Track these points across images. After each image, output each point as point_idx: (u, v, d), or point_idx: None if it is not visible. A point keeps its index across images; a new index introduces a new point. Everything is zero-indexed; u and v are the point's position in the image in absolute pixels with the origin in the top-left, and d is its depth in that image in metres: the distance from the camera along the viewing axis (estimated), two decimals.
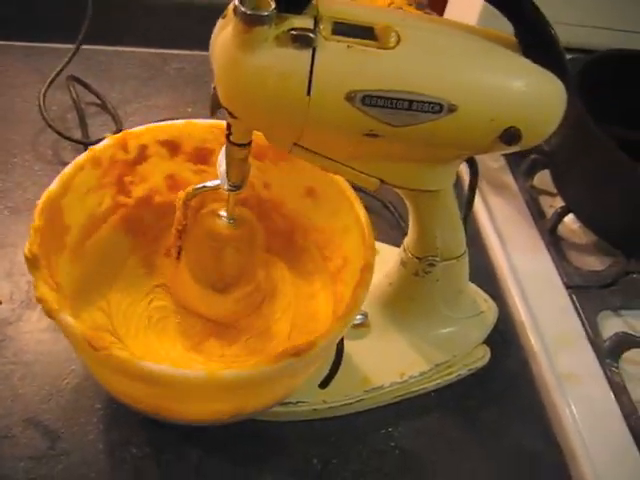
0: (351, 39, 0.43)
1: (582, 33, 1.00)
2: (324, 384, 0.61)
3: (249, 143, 0.50)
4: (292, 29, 0.42)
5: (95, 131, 0.86)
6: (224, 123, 0.50)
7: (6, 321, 0.65)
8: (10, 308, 0.66)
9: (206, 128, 0.62)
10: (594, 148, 0.79)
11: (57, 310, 0.46)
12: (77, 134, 0.84)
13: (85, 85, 0.90)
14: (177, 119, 0.62)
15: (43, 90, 0.83)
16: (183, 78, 0.97)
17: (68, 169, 0.56)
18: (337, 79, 0.43)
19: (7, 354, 0.63)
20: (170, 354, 0.59)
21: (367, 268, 0.52)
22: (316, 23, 0.43)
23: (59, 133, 0.81)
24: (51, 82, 0.84)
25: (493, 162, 0.92)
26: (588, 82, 0.80)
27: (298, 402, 0.60)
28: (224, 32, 0.44)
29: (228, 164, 0.52)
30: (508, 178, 0.91)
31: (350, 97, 0.43)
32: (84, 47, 0.87)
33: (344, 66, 0.43)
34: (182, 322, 0.61)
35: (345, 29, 0.43)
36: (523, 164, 0.92)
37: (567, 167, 0.86)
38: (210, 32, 0.96)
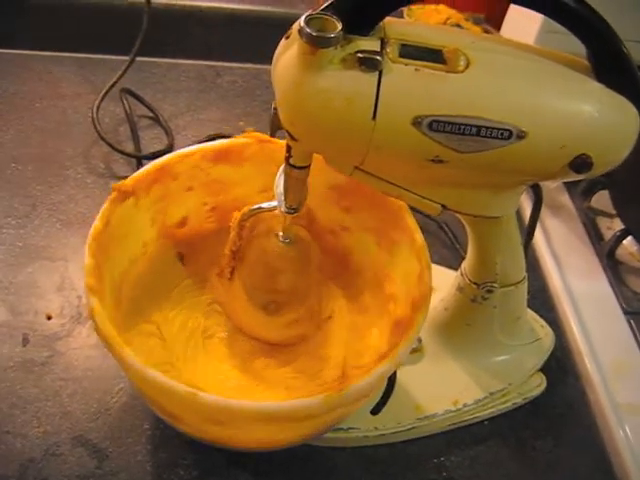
0: (419, 62, 0.42)
1: None
2: (376, 411, 0.60)
3: (308, 166, 0.49)
4: (358, 51, 0.41)
5: (147, 144, 0.86)
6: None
7: (56, 336, 0.65)
8: (60, 323, 0.66)
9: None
10: None
11: (120, 347, 0.46)
12: (129, 147, 0.84)
13: (138, 98, 0.90)
14: (229, 134, 0.62)
15: (97, 102, 0.83)
16: (235, 91, 0.97)
17: (108, 203, 0.55)
18: (404, 103, 0.42)
19: (56, 370, 0.63)
20: (220, 374, 0.58)
21: (422, 303, 0.51)
22: (383, 45, 0.42)
23: (111, 146, 0.81)
24: (105, 94, 0.84)
25: (549, 182, 0.90)
26: None
27: (349, 428, 0.59)
28: (288, 53, 0.43)
29: (286, 186, 0.51)
30: (565, 199, 0.89)
31: (417, 122, 0.42)
32: (137, 59, 0.87)
33: (411, 90, 0.42)
34: (233, 342, 0.61)
35: (413, 52, 0.42)
36: (580, 185, 0.90)
37: (627, 188, 0.84)
38: (261, 45, 0.97)
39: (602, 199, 0.89)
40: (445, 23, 0.82)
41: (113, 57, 0.95)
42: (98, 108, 0.83)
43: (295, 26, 0.43)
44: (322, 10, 0.41)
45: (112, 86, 0.86)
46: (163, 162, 0.58)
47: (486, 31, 0.91)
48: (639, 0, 0.88)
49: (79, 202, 0.77)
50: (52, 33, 0.95)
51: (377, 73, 0.41)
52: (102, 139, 0.81)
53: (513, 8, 0.97)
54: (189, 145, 0.61)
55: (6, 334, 0.64)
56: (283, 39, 0.44)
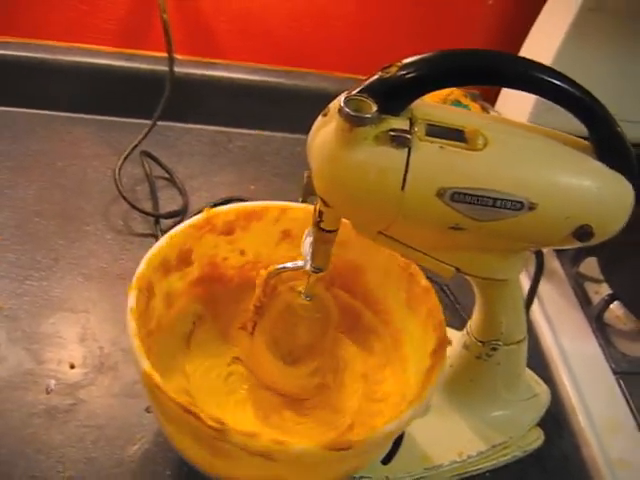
0: (443, 140, 0.47)
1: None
2: (386, 460, 0.63)
3: (337, 230, 0.54)
4: (390, 130, 0.46)
5: (163, 204, 0.90)
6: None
7: (79, 384, 0.68)
8: (83, 372, 0.69)
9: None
10: None
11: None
12: (147, 206, 0.89)
13: (155, 159, 0.94)
14: (240, 197, 0.67)
15: (119, 163, 0.88)
16: (245, 156, 1.02)
17: (152, 253, 0.59)
18: (429, 176, 0.47)
19: (80, 417, 0.65)
20: (243, 426, 0.61)
21: (437, 366, 0.55)
22: (411, 124, 0.47)
23: (131, 204, 0.85)
24: (127, 156, 0.89)
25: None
26: None
27: (361, 477, 0.62)
28: (325, 129, 0.47)
29: (314, 248, 0.56)
30: (555, 265, 0.94)
31: (440, 193, 0.47)
32: (156, 123, 0.93)
33: (436, 165, 0.47)
34: (255, 394, 0.64)
35: (437, 131, 0.47)
36: (569, 251, 0.95)
37: (614, 255, 0.89)
38: (271, 114, 1.02)
39: (590, 265, 0.94)
40: (446, 99, 0.88)
41: (130, 120, 1.00)
42: (120, 168, 0.88)
43: (333, 105, 0.48)
44: (358, 92, 0.46)
45: (134, 148, 0.90)
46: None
47: (483, 107, 0.97)
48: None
49: (99, 257, 0.81)
50: (73, 94, 1.00)
51: (407, 149, 0.46)
52: (123, 198, 0.85)
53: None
54: (203, 205, 0.65)
55: (30, 382, 0.67)
56: (320, 116, 0.49)
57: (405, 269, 0.64)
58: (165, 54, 0.90)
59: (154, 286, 0.59)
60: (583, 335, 0.86)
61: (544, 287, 0.90)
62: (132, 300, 0.54)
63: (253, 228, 0.66)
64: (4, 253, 0.79)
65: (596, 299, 0.90)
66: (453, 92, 0.87)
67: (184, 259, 0.63)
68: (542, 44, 0.93)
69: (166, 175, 0.94)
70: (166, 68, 0.91)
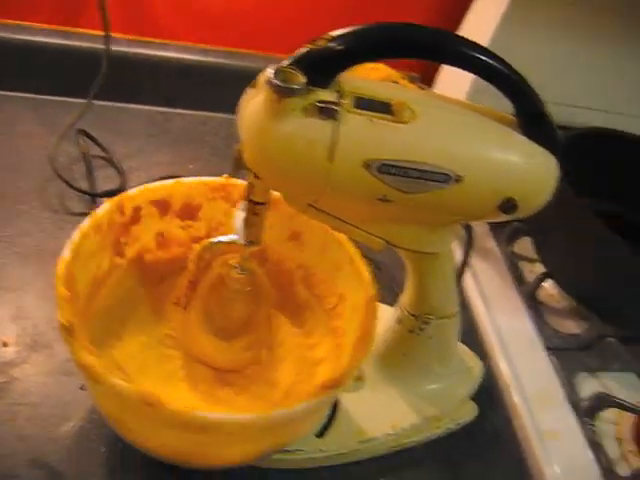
0: (371, 113, 0.47)
1: (566, 112, 1.06)
2: (320, 433, 0.64)
3: (267, 202, 0.54)
4: (318, 101, 0.46)
5: (100, 183, 0.89)
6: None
7: (12, 363, 0.67)
8: (16, 350, 0.68)
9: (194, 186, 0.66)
10: (571, 217, 0.84)
11: (105, 374, 0.47)
12: (83, 185, 0.87)
13: (92, 139, 0.93)
14: (179, 175, 0.67)
15: (54, 141, 0.86)
16: (185, 136, 1.02)
17: (76, 236, 0.58)
18: (357, 148, 0.47)
19: (14, 395, 0.64)
20: (177, 400, 0.61)
21: (369, 328, 0.56)
22: (339, 97, 0.47)
23: (67, 183, 0.84)
24: (63, 135, 0.88)
25: (477, 228, 0.97)
26: (569, 156, 0.86)
27: (296, 450, 0.63)
28: (254, 100, 0.48)
29: (246, 221, 0.56)
30: (491, 244, 0.96)
31: (367, 165, 0.47)
32: (93, 102, 0.91)
33: (363, 137, 0.47)
34: (190, 371, 0.64)
35: (365, 103, 0.48)
36: (505, 231, 0.97)
37: (546, 235, 0.91)
38: (209, 94, 1.02)
39: (525, 245, 0.96)
40: (384, 80, 0.88)
41: (67, 99, 0.99)
42: (56, 147, 0.86)
43: (262, 76, 0.48)
44: (287, 64, 0.46)
45: (71, 127, 0.89)
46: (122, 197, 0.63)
47: (421, 88, 0.98)
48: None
49: (34, 236, 0.79)
50: (6, 71, 0.97)
51: (334, 121, 0.46)
52: (58, 177, 0.84)
53: (445, 68, 1.06)
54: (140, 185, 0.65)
55: None
56: (249, 87, 0.49)
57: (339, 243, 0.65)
58: (102, 32, 0.89)
59: (85, 263, 0.59)
60: (517, 312, 0.88)
61: (480, 266, 0.92)
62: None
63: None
64: None
65: (530, 278, 0.92)
66: (391, 74, 0.88)
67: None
68: (479, 26, 0.95)
69: (103, 154, 0.93)
70: (103, 46, 0.89)
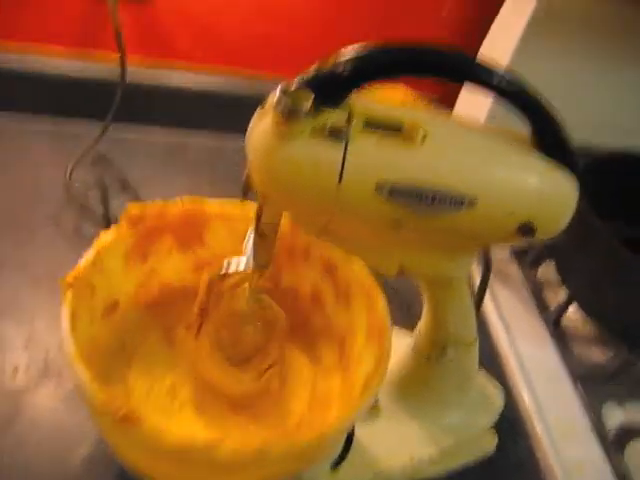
0: (381, 134, 0.46)
1: (585, 133, 1.04)
2: (335, 465, 0.62)
3: (277, 225, 0.53)
4: (327, 123, 0.45)
5: (116, 209, 0.88)
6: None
7: (21, 390, 0.66)
8: (26, 378, 0.67)
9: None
10: (596, 241, 0.82)
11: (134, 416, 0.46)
12: (99, 211, 0.87)
13: (108, 164, 0.93)
14: None
15: (70, 167, 0.86)
16: (201, 161, 1.01)
17: (94, 248, 0.57)
18: (367, 171, 0.46)
19: (23, 423, 0.63)
20: (187, 429, 0.60)
21: (382, 358, 0.54)
22: (349, 118, 0.46)
23: (82, 209, 0.84)
24: (78, 160, 0.88)
25: (499, 252, 0.95)
26: (593, 179, 0.84)
27: None
28: (262, 122, 0.47)
29: (255, 245, 0.55)
30: (514, 268, 0.94)
31: (378, 188, 0.46)
32: (109, 127, 0.91)
33: (374, 159, 0.46)
34: (201, 399, 0.62)
35: (376, 125, 0.46)
36: (528, 255, 0.95)
37: (570, 259, 0.89)
38: (223, 119, 1.01)
39: (548, 269, 0.94)
40: (401, 102, 0.87)
41: (83, 125, 0.98)
42: (71, 172, 0.86)
43: (270, 98, 0.47)
44: (295, 84, 0.45)
45: (86, 152, 0.89)
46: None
47: (439, 110, 0.97)
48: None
49: (48, 262, 0.79)
50: (23, 97, 0.98)
51: (343, 143, 0.45)
52: (73, 202, 0.84)
53: (465, 89, 1.04)
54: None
55: None
56: (258, 108, 0.48)
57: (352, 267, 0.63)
58: (118, 57, 0.89)
59: (95, 286, 0.58)
60: (540, 340, 0.85)
61: (501, 290, 0.90)
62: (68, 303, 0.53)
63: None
64: None
65: (554, 303, 0.90)
66: (409, 95, 0.87)
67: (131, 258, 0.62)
68: (498, 46, 0.93)
69: (119, 180, 0.92)
70: (118, 73, 0.89)
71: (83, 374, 0.48)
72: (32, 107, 0.98)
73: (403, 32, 1.02)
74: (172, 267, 0.67)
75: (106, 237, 0.60)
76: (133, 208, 0.62)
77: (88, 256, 0.58)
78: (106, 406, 0.46)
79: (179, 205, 0.64)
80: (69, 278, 0.55)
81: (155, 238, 0.64)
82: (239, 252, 0.58)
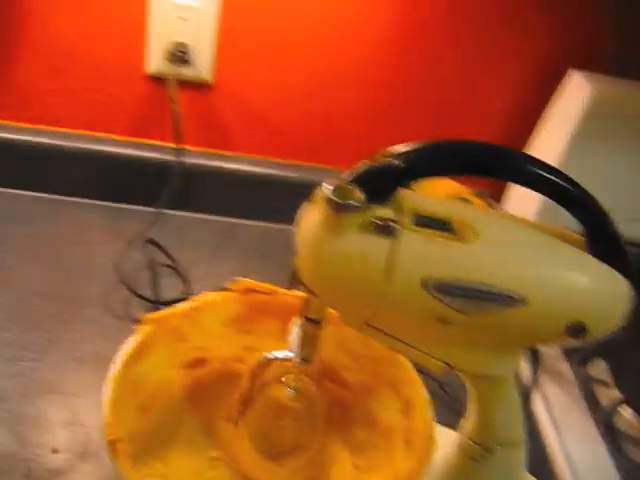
0: (430, 230, 0.46)
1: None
2: None
3: (322, 320, 0.53)
4: (376, 218, 0.45)
5: (165, 291, 0.89)
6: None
7: (60, 471, 0.66)
8: (65, 458, 0.67)
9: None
10: None
11: None
12: (148, 293, 0.88)
13: (159, 247, 0.95)
14: None
15: (122, 248, 0.88)
16: (251, 247, 1.02)
17: (137, 340, 0.58)
18: (415, 267, 0.46)
19: None
20: None
21: (424, 458, 0.53)
22: (398, 213, 0.46)
23: (131, 290, 0.85)
24: (130, 242, 0.89)
25: (549, 349, 0.93)
26: None
27: None
28: (311, 216, 0.47)
29: (301, 338, 0.54)
30: (563, 366, 0.92)
31: (426, 284, 0.46)
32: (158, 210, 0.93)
33: (422, 255, 0.46)
34: None
35: (425, 221, 0.47)
36: (578, 353, 0.93)
37: (623, 358, 0.87)
38: (274, 206, 1.02)
39: (599, 368, 0.91)
40: (451, 196, 0.87)
41: (136, 207, 1.02)
42: (123, 254, 0.88)
43: (320, 190, 0.47)
44: (345, 179, 0.46)
45: (139, 236, 0.91)
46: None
47: (489, 205, 0.97)
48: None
49: (95, 341, 0.80)
50: (83, 180, 1.01)
51: (391, 238, 0.45)
52: (123, 283, 0.85)
53: (513, 186, 1.04)
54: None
55: (11, 465, 0.65)
56: (307, 202, 0.49)
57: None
58: (174, 144, 0.92)
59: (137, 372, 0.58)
60: (591, 441, 0.82)
61: (550, 389, 0.87)
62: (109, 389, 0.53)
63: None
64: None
65: (606, 403, 0.87)
66: (459, 189, 0.87)
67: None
68: (547, 143, 0.94)
69: (169, 262, 0.94)
70: (174, 157, 0.92)
71: (122, 462, 0.47)
72: (87, 188, 1.02)
73: (452, 127, 1.04)
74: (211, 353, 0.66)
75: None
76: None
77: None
78: None
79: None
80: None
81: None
82: None
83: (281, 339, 0.64)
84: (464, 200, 0.91)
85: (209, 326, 0.63)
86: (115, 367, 0.56)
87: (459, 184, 0.83)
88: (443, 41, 0.96)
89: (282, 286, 0.66)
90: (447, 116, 1.03)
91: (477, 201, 0.93)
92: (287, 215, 1.03)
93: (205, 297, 0.62)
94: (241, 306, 0.64)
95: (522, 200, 0.99)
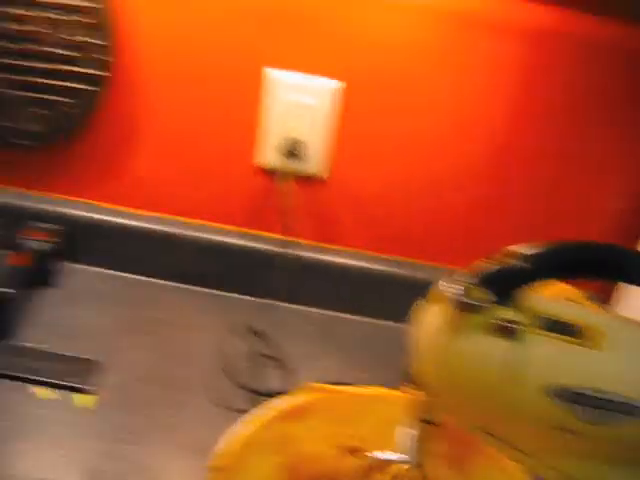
0: (554, 334, 0.45)
1: None
2: None
3: (438, 423, 0.51)
4: (500, 319, 0.44)
5: (266, 382, 0.89)
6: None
7: None
8: None
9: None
10: None
11: None
12: (249, 382, 0.88)
13: (262, 337, 0.95)
14: (345, 382, 0.65)
15: (224, 336, 0.89)
16: (353, 342, 1.01)
17: (231, 442, 0.58)
18: (539, 371, 0.44)
19: None
20: None
21: None
22: (522, 315, 0.45)
23: (233, 380, 0.86)
24: (233, 330, 0.90)
25: None
26: None
27: None
28: (432, 315, 0.47)
29: (416, 441, 0.53)
30: None
31: (548, 390, 0.44)
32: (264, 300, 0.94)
33: (547, 360, 0.44)
34: None
35: (549, 324, 0.45)
36: None
37: None
38: (377, 302, 1.01)
39: None
40: (566, 299, 0.85)
41: (240, 296, 1.04)
42: (227, 342, 0.89)
43: (439, 291, 0.47)
44: (468, 280, 0.45)
45: (244, 326, 0.92)
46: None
47: (602, 308, 0.94)
48: None
49: (195, 428, 0.80)
50: (192, 267, 1.04)
51: (515, 341, 0.44)
52: (224, 372, 0.86)
53: (623, 286, 1.00)
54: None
55: None
56: (423, 301, 0.49)
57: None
58: (282, 236, 0.94)
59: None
60: None
61: None
62: None
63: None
64: (100, 414, 0.79)
65: None
66: (570, 292, 0.84)
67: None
68: None
69: (271, 353, 0.94)
70: (281, 249, 0.94)
71: None
72: (193, 274, 1.04)
73: (562, 227, 1.02)
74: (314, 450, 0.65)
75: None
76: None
77: None
78: None
79: None
80: None
81: None
82: None
83: None
84: (577, 303, 0.88)
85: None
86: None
87: (572, 287, 0.80)
88: (550, 138, 0.96)
89: (390, 385, 0.64)
90: (556, 213, 1.02)
91: (590, 304, 0.90)
92: (390, 311, 1.04)
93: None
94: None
95: (635, 301, 0.95)
